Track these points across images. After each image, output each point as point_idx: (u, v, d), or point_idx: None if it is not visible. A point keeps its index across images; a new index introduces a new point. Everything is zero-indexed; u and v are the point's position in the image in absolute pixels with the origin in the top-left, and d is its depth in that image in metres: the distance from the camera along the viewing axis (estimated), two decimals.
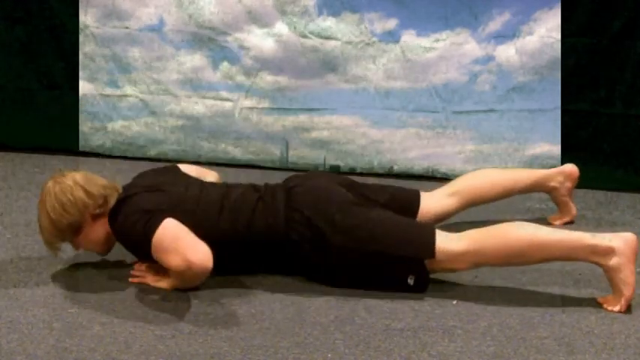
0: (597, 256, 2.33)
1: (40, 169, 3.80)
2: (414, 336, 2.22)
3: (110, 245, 2.61)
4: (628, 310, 2.35)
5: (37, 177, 3.68)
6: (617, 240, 2.33)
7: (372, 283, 2.47)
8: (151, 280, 2.52)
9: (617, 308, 2.34)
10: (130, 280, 2.55)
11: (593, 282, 2.55)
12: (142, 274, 2.55)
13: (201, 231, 2.38)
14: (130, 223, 2.43)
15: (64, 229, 2.50)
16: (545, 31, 3.55)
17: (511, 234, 2.39)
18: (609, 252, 2.32)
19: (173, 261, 2.35)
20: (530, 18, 3.57)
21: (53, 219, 2.48)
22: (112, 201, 2.52)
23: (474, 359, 2.11)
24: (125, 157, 4.00)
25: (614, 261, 2.32)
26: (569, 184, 3.00)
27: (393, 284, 2.46)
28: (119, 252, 2.82)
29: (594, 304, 2.40)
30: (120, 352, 2.13)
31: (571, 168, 3.01)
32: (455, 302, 2.43)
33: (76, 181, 2.51)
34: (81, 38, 3.95)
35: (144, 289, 2.51)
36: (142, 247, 2.43)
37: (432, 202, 2.80)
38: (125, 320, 2.30)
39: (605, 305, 2.37)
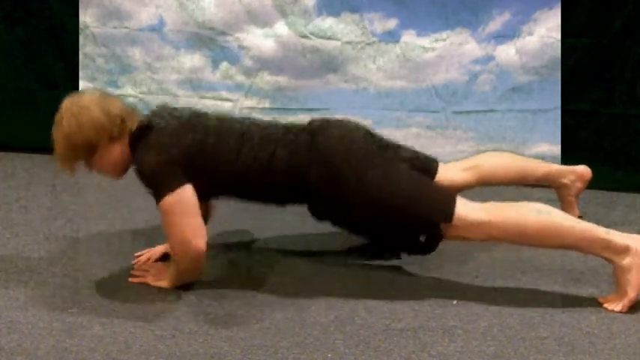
0: (611, 252, 2.33)
1: (40, 169, 3.80)
2: (414, 336, 2.22)
3: (124, 170, 2.55)
4: (628, 310, 2.35)
5: (37, 177, 3.68)
6: (635, 240, 2.33)
7: (382, 234, 2.45)
8: (152, 279, 2.53)
9: (618, 308, 2.34)
10: (130, 280, 2.55)
11: (593, 282, 2.55)
12: (142, 274, 2.56)
13: (220, 166, 2.38)
14: (150, 167, 2.37)
15: (80, 148, 2.44)
16: (545, 31, 3.55)
17: (534, 215, 2.37)
18: (624, 250, 2.32)
19: (172, 235, 2.37)
20: (530, 18, 3.57)
21: (69, 137, 2.43)
22: (130, 125, 2.47)
23: (474, 359, 2.11)
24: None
25: (626, 260, 2.32)
26: (579, 185, 2.99)
27: (402, 238, 2.44)
28: (119, 252, 2.82)
29: (594, 304, 2.40)
30: (120, 352, 2.13)
31: (584, 169, 3.00)
32: (455, 302, 2.43)
33: (94, 101, 2.46)
34: (81, 38, 3.95)
35: (144, 289, 2.51)
36: (152, 193, 2.40)
37: (447, 173, 2.76)
38: (125, 320, 2.30)
39: (606, 305, 2.37)
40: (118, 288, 2.53)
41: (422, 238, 2.44)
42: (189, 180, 2.37)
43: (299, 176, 2.46)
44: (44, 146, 4.03)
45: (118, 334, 2.22)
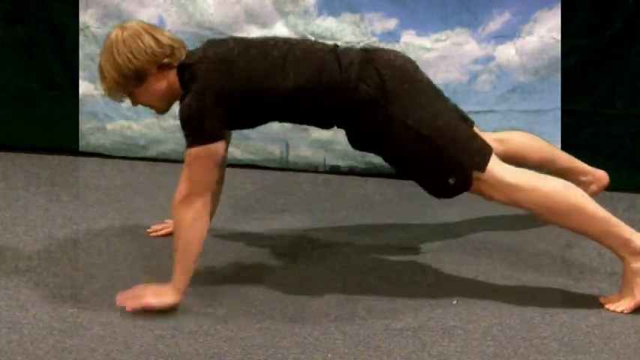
0: (628, 251, 2.32)
1: (40, 169, 3.80)
2: (414, 336, 2.22)
3: (169, 103, 2.53)
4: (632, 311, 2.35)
5: (37, 177, 3.68)
6: None
7: (413, 166, 2.43)
8: (153, 299, 2.34)
9: (620, 309, 2.34)
10: (128, 309, 2.33)
11: (593, 282, 2.55)
12: (138, 296, 2.36)
13: (266, 91, 2.36)
14: (190, 111, 2.36)
15: (130, 76, 2.40)
16: (545, 31, 3.55)
17: (563, 190, 2.35)
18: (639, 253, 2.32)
19: (181, 184, 2.35)
20: (530, 18, 3.57)
21: (120, 64, 2.39)
22: (179, 55, 2.46)
23: (474, 359, 2.11)
24: (125, 157, 4.00)
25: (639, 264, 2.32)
26: (594, 188, 2.97)
27: (433, 176, 2.41)
28: (119, 252, 2.82)
29: (594, 304, 2.40)
30: (120, 352, 2.13)
31: (603, 174, 2.99)
32: (455, 302, 2.43)
33: (145, 28, 2.44)
34: (81, 38, 3.95)
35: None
36: (185, 134, 2.39)
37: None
38: (125, 320, 2.30)
39: (608, 305, 2.37)
40: (118, 288, 2.52)
41: (451, 180, 2.40)
42: (232, 116, 2.38)
43: (348, 89, 2.38)
44: (44, 146, 4.07)
45: (118, 334, 2.22)
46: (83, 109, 4.02)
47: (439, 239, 2.96)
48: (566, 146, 3.56)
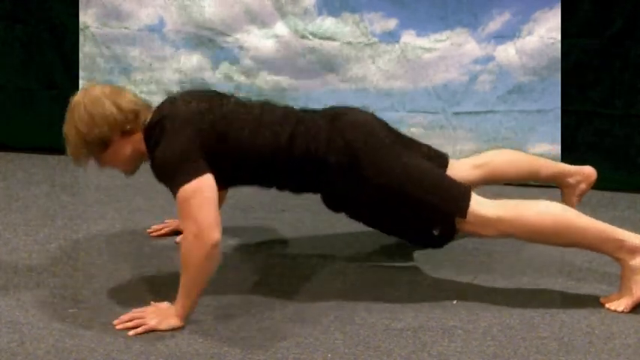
0: (623, 252, 2.33)
1: (40, 169, 3.80)
2: (414, 336, 2.22)
3: (136, 166, 2.51)
4: (631, 310, 2.35)
5: (37, 177, 3.68)
6: None
7: (394, 224, 2.44)
8: (157, 322, 2.25)
9: (621, 308, 2.34)
10: (131, 333, 2.22)
11: (593, 282, 2.55)
12: (140, 321, 2.26)
13: (237, 152, 2.31)
14: (165, 158, 2.30)
15: (93, 142, 2.39)
16: (545, 31, 3.55)
17: (548, 212, 2.36)
18: (635, 251, 2.32)
19: (187, 227, 2.22)
20: (530, 18, 3.57)
21: (82, 131, 2.37)
22: (144, 118, 2.42)
23: (474, 359, 2.11)
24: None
25: (636, 261, 2.32)
26: (583, 186, 2.98)
27: (416, 231, 2.43)
28: (119, 252, 2.82)
29: (594, 304, 2.40)
30: (120, 352, 2.13)
31: (590, 170, 2.99)
32: (455, 302, 2.43)
33: (107, 94, 2.41)
34: (81, 38, 3.95)
35: (144, 290, 2.51)
36: (169, 184, 2.31)
37: (457, 169, 2.74)
38: None
39: (608, 305, 2.37)
40: (118, 288, 2.52)
41: (435, 232, 2.42)
42: (208, 168, 2.30)
43: (317, 160, 2.42)
44: (44, 146, 4.07)
45: (118, 334, 2.22)
46: None
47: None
48: (566, 146, 3.56)
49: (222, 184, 2.44)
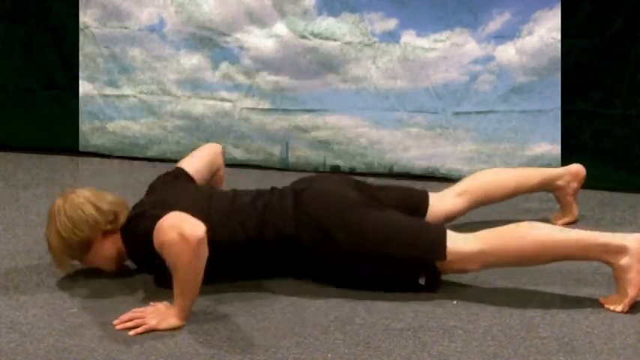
0: (609, 254, 2.33)
1: (40, 169, 3.80)
2: (414, 336, 2.22)
3: (120, 262, 2.57)
4: (629, 309, 2.35)
5: (37, 177, 3.68)
6: (631, 240, 2.33)
7: (382, 284, 2.47)
8: (157, 323, 2.25)
9: (619, 308, 2.34)
10: (131, 333, 2.22)
11: (593, 282, 2.55)
12: (140, 321, 2.26)
13: (210, 240, 2.28)
14: (139, 232, 2.37)
15: (75, 246, 2.46)
16: (545, 31, 3.55)
17: (525, 235, 2.39)
18: (622, 251, 2.32)
19: (168, 237, 2.21)
20: (530, 18, 3.57)
21: (64, 236, 2.45)
22: (122, 218, 2.50)
23: (474, 359, 2.11)
24: (125, 157, 4.00)
25: (624, 260, 2.32)
26: (575, 185, 2.99)
27: (404, 285, 2.46)
28: None
29: (594, 304, 2.40)
30: (120, 352, 2.13)
31: (577, 168, 3.00)
32: (455, 302, 2.43)
33: (86, 198, 2.48)
34: (81, 38, 3.95)
35: (144, 290, 2.51)
36: (150, 252, 2.31)
37: (441, 202, 2.80)
38: None
39: (607, 305, 2.37)
40: (118, 288, 2.52)
41: (421, 281, 2.45)
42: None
43: (291, 242, 2.47)
44: (44, 146, 4.07)
45: (118, 334, 2.22)
46: (83, 109, 4.02)
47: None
48: (566, 146, 3.56)
49: None
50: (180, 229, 2.19)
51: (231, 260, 2.45)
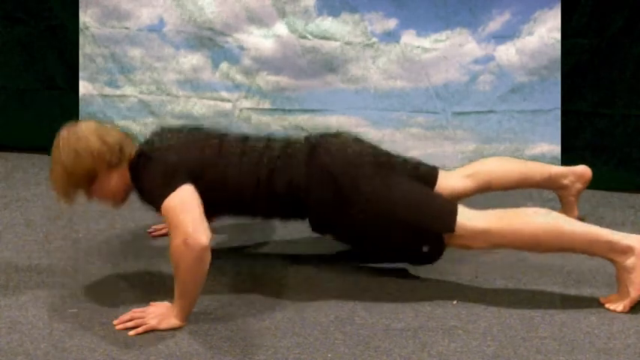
0: (615, 253, 2.34)
1: (40, 169, 3.80)
2: (414, 336, 2.22)
3: (124, 198, 2.54)
4: (629, 310, 2.35)
5: (37, 177, 3.68)
6: (636, 241, 2.33)
7: (384, 246, 2.46)
8: (157, 322, 2.26)
9: (619, 308, 2.34)
10: (131, 333, 2.24)
11: (593, 282, 2.55)
12: (141, 321, 2.27)
13: (220, 187, 2.33)
14: (150, 180, 2.35)
15: (79, 177, 2.42)
16: (545, 31, 3.55)
17: (536, 220, 2.38)
18: (627, 251, 2.32)
19: (174, 235, 2.24)
20: (530, 18, 3.57)
21: (67, 167, 2.41)
22: (129, 151, 2.47)
23: (474, 359, 2.11)
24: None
25: (630, 261, 2.32)
26: (579, 185, 2.99)
27: (405, 250, 2.45)
28: (119, 252, 2.82)
29: (594, 304, 2.40)
30: (120, 352, 2.13)
31: (584, 169, 3.00)
32: (455, 302, 2.43)
33: (91, 129, 2.45)
34: (81, 38, 3.95)
35: (144, 290, 2.51)
36: (154, 201, 2.35)
37: (448, 180, 2.76)
38: None
39: (607, 305, 2.37)
40: (118, 288, 2.52)
41: (425, 249, 2.44)
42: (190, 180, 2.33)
43: (299, 192, 2.46)
44: (44, 146, 4.05)
45: (118, 334, 2.22)
46: (83, 109, 4.02)
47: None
48: (566, 146, 3.56)
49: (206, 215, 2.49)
50: (186, 235, 2.20)
51: (237, 204, 2.44)
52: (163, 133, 2.57)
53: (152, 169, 2.38)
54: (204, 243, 2.20)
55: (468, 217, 2.40)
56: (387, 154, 2.64)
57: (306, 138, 2.62)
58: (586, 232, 2.37)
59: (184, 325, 2.26)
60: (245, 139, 2.59)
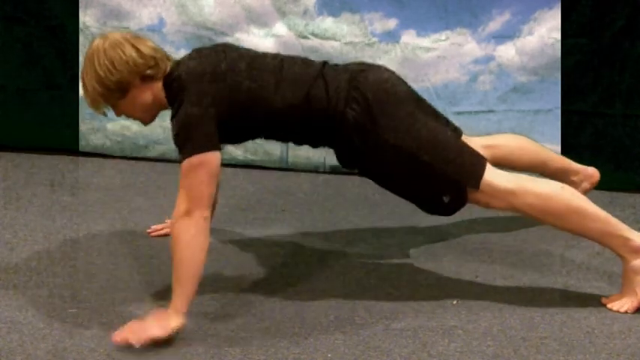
0: (627, 250, 2.32)
1: (40, 169, 3.80)
2: (414, 336, 2.22)
3: (154, 115, 2.50)
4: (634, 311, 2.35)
5: (37, 177, 3.68)
6: None
7: (405, 186, 2.43)
8: (159, 330, 2.16)
9: (624, 309, 2.33)
10: (136, 345, 2.13)
11: (594, 282, 2.55)
12: (140, 330, 2.16)
13: (257, 105, 2.31)
14: (186, 119, 2.29)
15: (112, 87, 2.35)
16: (545, 31, 3.55)
17: (562, 193, 2.36)
18: (638, 251, 2.32)
19: (180, 200, 2.22)
20: (530, 18, 3.57)
21: (101, 76, 2.34)
22: (164, 66, 2.41)
23: (474, 359, 2.11)
24: (125, 157, 4.00)
25: (639, 261, 2.31)
26: (586, 185, 2.98)
27: (426, 195, 2.42)
28: (119, 252, 2.82)
29: (594, 304, 2.40)
30: (120, 352, 2.12)
31: (594, 171, 2.99)
32: (455, 302, 2.43)
33: (127, 38, 2.38)
34: (81, 38, 3.95)
35: (144, 290, 2.51)
36: (180, 146, 2.32)
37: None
38: (125, 320, 2.29)
39: (609, 305, 2.37)
40: (118, 288, 2.52)
41: (445, 199, 2.41)
42: (227, 130, 2.31)
43: (335, 115, 2.38)
44: (44, 146, 4.07)
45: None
46: (83, 109, 4.02)
47: (439, 239, 2.96)
48: (566, 146, 3.56)
49: (240, 138, 2.51)
50: (191, 203, 2.19)
51: (272, 123, 2.42)
52: (199, 55, 2.48)
53: (187, 107, 2.29)
54: (206, 215, 2.21)
55: (495, 176, 2.37)
56: (423, 100, 2.58)
57: (350, 63, 2.57)
58: (606, 220, 2.34)
59: (185, 324, 2.20)
60: (285, 56, 2.53)
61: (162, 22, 3.89)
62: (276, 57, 2.52)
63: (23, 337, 2.20)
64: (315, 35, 3.75)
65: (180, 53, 3.88)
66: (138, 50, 2.37)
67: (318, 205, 3.36)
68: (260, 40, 3.81)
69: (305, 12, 3.75)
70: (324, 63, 2.51)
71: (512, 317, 2.33)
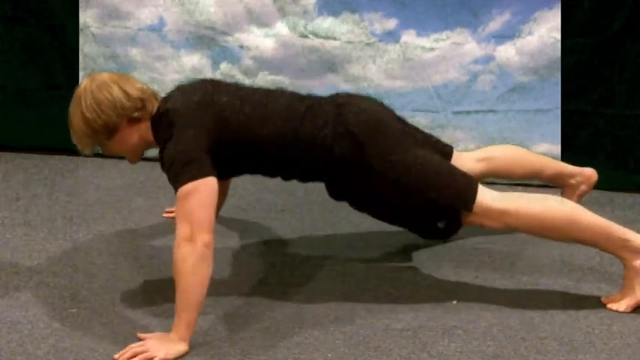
0: (627, 251, 2.33)
1: (40, 169, 3.80)
2: (414, 336, 2.22)
3: (140, 154, 2.51)
4: (632, 310, 2.35)
5: (37, 177, 3.68)
6: None
7: (399, 215, 2.44)
8: (163, 352, 2.12)
9: (622, 308, 2.34)
10: None
11: (593, 282, 2.55)
12: (146, 354, 2.12)
13: (244, 141, 2.31)
14: (175, 153, 2.27)
15: (99, 129, 2.36)
16: (545, 31, 3.55)
17: (553, 207, 2.36)
18: (639, 251, 2.32)
19: (181, 225, 2.19)
20: (530, 18, 3.57)
21: (88, 118, 2.34)
22: (151, 107, 2.41)
23: (474, 359, 2.11)
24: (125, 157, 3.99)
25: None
26: (584, 187, 2.98)
27: (421, 222, 2.43)
28: (119, 252, 2.82)
29: (595, 304, 2.40)
30: (120, 352, 2.12)
31: (591, 172, 2.99)
32: (455, 302, 2.43)
33: (114, 80, 2.39)
34: (81, 38, 3.95)
35: (144, 289, 2.51)
36: (172, 178, 2.28)
37: (460, 161, 2.71)
38: (125, 320, 2.30)
39: (609, 305, 2.37)
40: (118, 288, 2.52)
41: (440, 224, 2.42)
42: (214, 164, 2.28)
43: (323, 150, 2.40)
44: (44, 146, 4.06)
45: (118, 334, 2.22)
46: None
47: (439, 239, 2.95)
48: (566, 146, 3.56)
49: (227, 174, 2.49)
50: (192, 229, 2.15)
51: (259, 158, 2.42)
52: (185, 90, 2.48)
53: (176, 141, 2.29)
54: (207, 240, 2.16)
55: (487, 197, 2.37)
56: (409, 126, 2.61)
57: (334, 96, 2.58)
58: (602, 225, 2.35)
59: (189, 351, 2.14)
60: (270, 91, 2.55)
61: (162, 21, 3.89)
62: (260, 91, 2.54)
63: (23, 337, 2.20)
64: (316, 35, 3.75)
65: (180, 53, 3.90)
66: (126, 93, 2.38)
67: (318, 205, 3.35)
68: (260, 39, 3.81)
69: (305, 11, 3.75)
70: (309, 96, 2.53)
71: (512, 317, 2.33)
